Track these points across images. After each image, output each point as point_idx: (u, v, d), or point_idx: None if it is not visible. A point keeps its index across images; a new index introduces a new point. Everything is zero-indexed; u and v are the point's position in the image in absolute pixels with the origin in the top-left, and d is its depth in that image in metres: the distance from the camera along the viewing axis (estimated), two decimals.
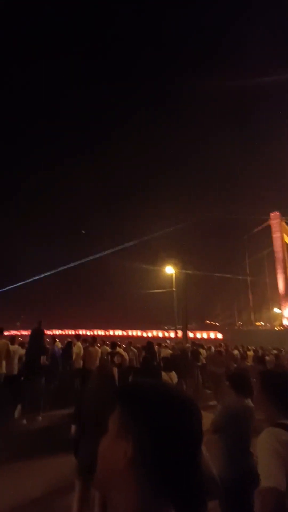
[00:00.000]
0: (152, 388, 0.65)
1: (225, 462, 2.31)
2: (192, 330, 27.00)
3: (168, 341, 34.56)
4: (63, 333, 48.32)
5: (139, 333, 43.67)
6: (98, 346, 8.71)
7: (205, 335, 36.71)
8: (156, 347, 11.53)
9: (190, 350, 10.96)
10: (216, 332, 37.35)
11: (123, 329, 46.34)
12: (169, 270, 20.32)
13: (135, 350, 10.08)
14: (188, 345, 13.41)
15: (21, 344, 8.27)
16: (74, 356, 8.05)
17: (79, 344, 8.41)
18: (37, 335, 6.95)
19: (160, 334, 41.36)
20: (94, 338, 8.82)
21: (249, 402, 2.57)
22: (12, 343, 7.31)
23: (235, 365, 9.11)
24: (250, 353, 11.85)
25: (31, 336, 7.05)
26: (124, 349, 9.21)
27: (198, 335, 35.78)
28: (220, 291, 53.65)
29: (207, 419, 2.03)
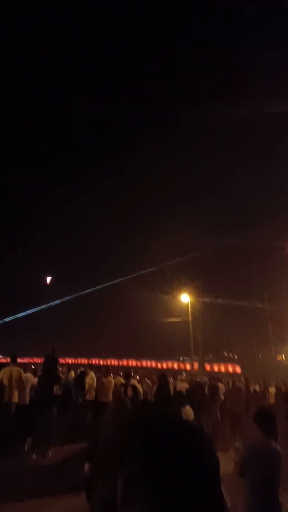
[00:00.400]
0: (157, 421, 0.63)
1: (252, 509, 2.12)
2: (208, 362, 25.86)
3: (183, 373, 33.20)
4: (76, 361, 47.53)
5: (153, 363, 42.26)
6: (111, 377, 8.48)
7: (222, 368, 34.99)
8: (171, 379, 11.08)
9: (208, 384, 10.43)
10: (235, 365, 35.57)
11: (137, 359, 45.05)
12: (185, 298, 19.98)
13: (149, 382, 9.73)
14: (205, 378, 12.81)
15: (34, 372, 8.19)
16: (86, 387, 7.82)
17: (92, 374, 8.21)
18: (51, 363, 6.82)
19: (175, 365, 39.85)
20: (107, 368, 8.61)
21: (275, 444, 2.40)
22: (25, 371, 7.26)
23: (257, 403, 8.55)
24: (272, 390, 11.13)
25: (44, 364, 6.93)
26: (138, 381, 8.91)
27: (215, 367, 34.17)
28: (239, 321, 51.85)
29: (227, 461, 1.90)
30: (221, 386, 10.80)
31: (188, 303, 19.44)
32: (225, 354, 44.89)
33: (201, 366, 16.30)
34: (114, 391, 6.82)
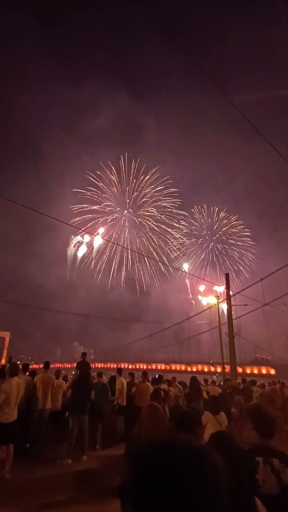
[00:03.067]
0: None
1: None
2: (241, 365, 25.00)
3: (214, 377, 32.39)
4: (105, 366, 47.98)
5: (182, 367, 41.66)
6: (149, 382, 8.44)
7: (256, 371, 33.74)
8: (202, 383, 10.80)
9: (241, 388, 10.04)
10: (268, 367, 34.15)
11: (166, 363, 44.65)
12: (212, 300, 19.54)
13: (180, 386, 9.52)
14: (238, 381, 12.37)
15: (64, 378, 8.32)
16: (116, 392, 7.81)
17: (122, 379, 8.19)
18: (83, 369, 6.87)
19: (206, 368, 38.99)
20: (145, 373, 8.56)
21: None
22: (57, 377, 7.38)
23: None
24: None
25: (77, 369, 7.00)
26: (168, 385, 8.75)
27: (248, 370, 33.03)
28: (272, 323, 49.87)
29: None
30: (256, 389, 10.37)
31: (216, 304, 18.96)
32: (258, 356, 43.29)
33: (233, 369, 15.75)
34: (152, 396, 6.60)
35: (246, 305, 17.87)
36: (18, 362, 12.18)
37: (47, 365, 7.15)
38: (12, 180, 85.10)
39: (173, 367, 42.42)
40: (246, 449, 1.79)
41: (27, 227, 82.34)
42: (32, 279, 76.94)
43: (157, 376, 10.82)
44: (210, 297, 21.10)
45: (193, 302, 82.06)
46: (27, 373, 6.92)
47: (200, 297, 78.25)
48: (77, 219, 79.72)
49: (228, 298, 16.34)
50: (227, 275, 17.46)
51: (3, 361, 63.66)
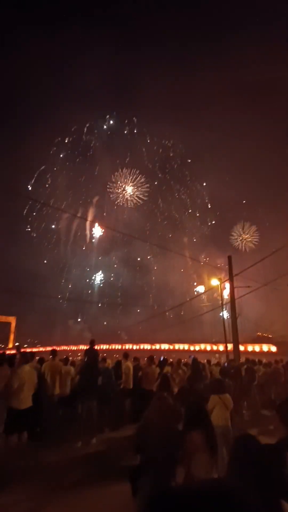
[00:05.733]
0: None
1: None
2: (243, 343, 25.48)
3: (217, 355, 33.05)
4: (110, 347, 49.08)
5: (186, 346, 42.56)
6: (155, 366, 8.61)
7: (257, 348, 34.43)
8: (205, 363, 10.99)
9: (244, 367, 10.23)
10: (270, 345, 34.82)
11: (169, 342, 45.56)
12: (214, 282, 19.63)
13: (185, 368, 9.69)
14: (242, 361, 12.59)
15: (72, 364, 8.46)
16: (123, 377, 7.96)
17: (128, 363, 8.32)
18: (91, 355, 6.97)
19: (208, 347, 39.84)
20: (151, 357, 8.68)
21: None
22: (65, 364, 7.51)
23: None
24: None
25: (85, 355, 7.11)
26: (173, 369, 8.89)
27: (250, 348, 33.71)
28: (272, 301, 50.36)
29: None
30: (260, 367, 10.55)
31: (218, 286, 19.05)
32: (259, 334, 44.05)
33: (236, 350, 16.04)
34: (161, 381, 6.62)
35: (248, 286, 17.93)
36: (26, 346, 12.40)
37: (54, 353, 7.25)
38: None
39: (177, 346, 43.33)
40: (273, 444, 1.76)
41: (12, 208, 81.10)
42: (23, 261, 76.28)
43: (162, 358, 11.01)
44: (213, 280, 21.19)
45: (195, 279, 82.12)
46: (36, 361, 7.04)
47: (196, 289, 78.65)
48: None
49: (231, 280, 16.37)
50: (229, 257, 17.39)
51: (10, 345, 65.28)
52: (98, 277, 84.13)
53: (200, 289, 72.88)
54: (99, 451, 5.85)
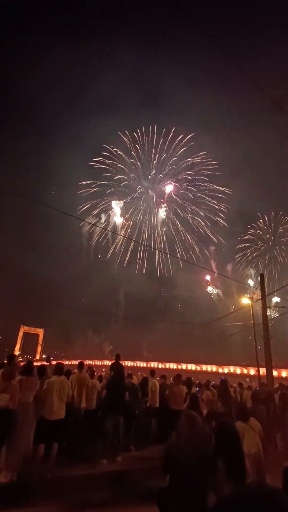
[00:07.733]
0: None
1: None
2: (275, 367, 23.97)
3: (247, 379, 31.34)
4: (135, 364, 48.40)
5: (213, 368, 40.83)
6: (183, 385, 8.35)
7: None
8: (235, 387, 10.45)
9: (279, 393, 9.56)
10: None
11: (196, 363, 44.01)
12: (245, 301, 18.91)
13: (213, 390, 9.27)
14: (276, 386, 11.79)
15: (99, 378, 8.45)
16: (150, 394, 7.79)
17: (154, 381, 8.16)
18: (117, 370, 6.92)
19: (238, 370, 37.89)
20: (179, 376, 8.47)
21: None
22: (92, 377, 7.52)
23: None
24: None
25: (111, 369, 7.07)
26: (201, 390, 8.57)
27: (284, 373, 31.58)
28: None
29: None
30: None
31: (250, 305, 18.31)
32: None
33: (269, 372, 15.10)
34: (190, 402, 6.33)
35: (283, 307, 17.05)
36: (51, 358, 12.61)
37: (81, 365, 7.31)
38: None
39: (204, 367, 41.70)
40: None
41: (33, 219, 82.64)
42: (43, 271, 77.31)
43: (222, 378, 10.59)
44: (244, 298, 20.41)
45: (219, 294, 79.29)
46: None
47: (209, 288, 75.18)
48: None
49: (263, 300, 15.69)
50: (261, 276, 16.78)
51: (37, 357, 66.64)
52: (122, 290, 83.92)
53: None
54: (125, 470, 5.68)
